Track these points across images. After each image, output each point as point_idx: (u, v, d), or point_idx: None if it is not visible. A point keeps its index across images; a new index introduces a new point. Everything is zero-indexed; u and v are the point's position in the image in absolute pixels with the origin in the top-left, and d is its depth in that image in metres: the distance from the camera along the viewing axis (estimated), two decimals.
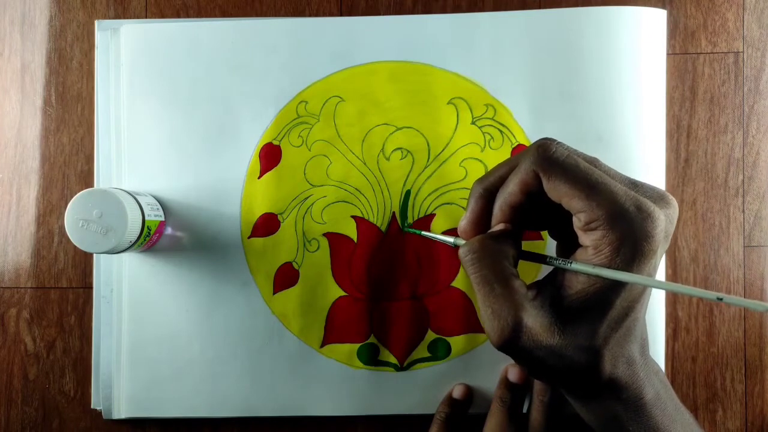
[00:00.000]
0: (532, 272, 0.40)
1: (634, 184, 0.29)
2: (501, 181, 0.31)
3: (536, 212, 0.31)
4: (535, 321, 0.28)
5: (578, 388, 0.31)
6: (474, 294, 0.40)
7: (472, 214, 0.32)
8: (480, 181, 0.32)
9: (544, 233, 0.40)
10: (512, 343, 0.28)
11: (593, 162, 0.30)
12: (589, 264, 0.28)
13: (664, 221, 0.28)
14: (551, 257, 0.30)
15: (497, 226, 0.31)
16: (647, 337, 0.32)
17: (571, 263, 0.29)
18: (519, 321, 0.28)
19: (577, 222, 0.28)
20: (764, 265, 0.41)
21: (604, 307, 0.28)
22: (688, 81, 0.42)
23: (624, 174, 0.30)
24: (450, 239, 0.35)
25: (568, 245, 0.31)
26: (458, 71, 0.40)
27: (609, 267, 0.27)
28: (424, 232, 0.38)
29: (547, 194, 0.29)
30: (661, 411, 0.30)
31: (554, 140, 0.29)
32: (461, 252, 0.31)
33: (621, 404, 0.30)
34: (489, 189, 0.31)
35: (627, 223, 0.27)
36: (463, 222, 0.32)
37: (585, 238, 0.28)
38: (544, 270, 0.40)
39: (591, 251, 0.28)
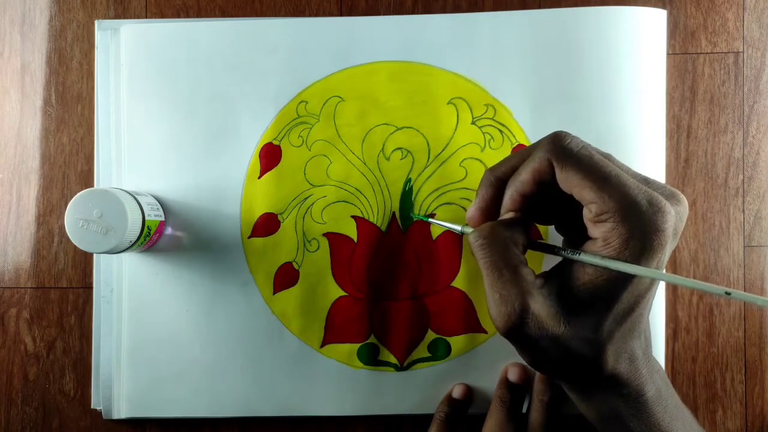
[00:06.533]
0: (536, 266, 0.40)
1: (646, 181, 0.30)
2: (513, 171, 0.31)
3: (545, 205, 0.31)
4: (541, 308, 0.29)
5: (580, 382, 0.31)
6: (473, 293, 0.40)
7: (482, 201, 0.32)
8: (492, 169, 0.32)
9: (544, 231, 0.40)
10: (518, 329, 0.29)
11: (607, 157, 0.30)
12: (598, 255, 0.28)
13: (674, 217, 0.28)
14: (559, 247, 0.30)
15: (507, 215, 0.31)
16: (650, 336, 0.32)
17: (579, 254, 0.29)
18: (526, 307, 0.28)
19: (588, 213, 0.29)
20: (764, 265, 0.41)
21: (610, 301, 0.28)
22: (688, 81, 0.42)
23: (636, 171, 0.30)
24: (457, 227, 0.35)
25: (575, 241, 0.31)
26: (458, 71, 0.40)
27: (617, 259, 0.27)
28: (431, 219, 0.38)
29: (560, 184, 0.29)
30: (662, 408, 0.31)
31: (569, 133, 0.30)
32: (471, 237, 0.31)
33: (622, 400, 0.30)
34: (500, 177, 0.32)
35: (637, 217, 0.27)
36: (472, 209, 0.32)
37: (594, 230, 0.29)
38: (547, 265, 0.40)
39: (600, 243, 0.28)
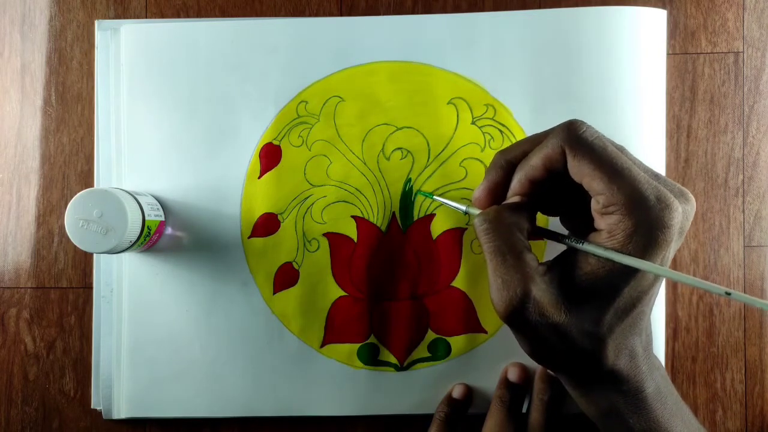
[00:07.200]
0: (538, 256, 0.40)
1: (657, 176, 0.30)
2: (524, 155, 0.31)
3: (551, 194, 0.31)
4: (543, 295, 0.29)
5: (579, 376, 0.31)
6: (473, 292, 0.40)
7: (490, 183, 0.32)
8: (503, 152, 0.32)
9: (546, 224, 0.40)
10: (519, 314, 0.29)
11: (621, 149, 0.30)
12: (601, 246, 0.28)
13: (681, 215, 0.28)
14: (564, 235, 0.30)
15: (513, 198, 0.31)
16: (651, 335, 0.32)
17: (583, 243, 0.29)
18: (527, 292, 0.28)
19: (596, 204, 0.29)
20: (764, 265, 0.41)
21: (612, 294, 0.28)
22: (688, 81, 0.42)
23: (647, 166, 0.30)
24: (462, 207, 0.35)
25: (579, 234, 0.31)
26: (458, 71, 0.40)
27: (621, 252, 0.27)
28: (435, 196, 0.38)
29: (570, 173, 0.29)
30: (661, 405, 0.31)
31: (584, 122, 0.30)
32: (477, 221, 0.31)
33: (621, 396, 0.30)
34: (511, 161, 0.32)
35: (645, 212, 0.27)
36: (479, 190, 0.32)
37: (601, 222, 0.29)
38: (549, 256, 0.40)
39: (605, 235, 0.28)
